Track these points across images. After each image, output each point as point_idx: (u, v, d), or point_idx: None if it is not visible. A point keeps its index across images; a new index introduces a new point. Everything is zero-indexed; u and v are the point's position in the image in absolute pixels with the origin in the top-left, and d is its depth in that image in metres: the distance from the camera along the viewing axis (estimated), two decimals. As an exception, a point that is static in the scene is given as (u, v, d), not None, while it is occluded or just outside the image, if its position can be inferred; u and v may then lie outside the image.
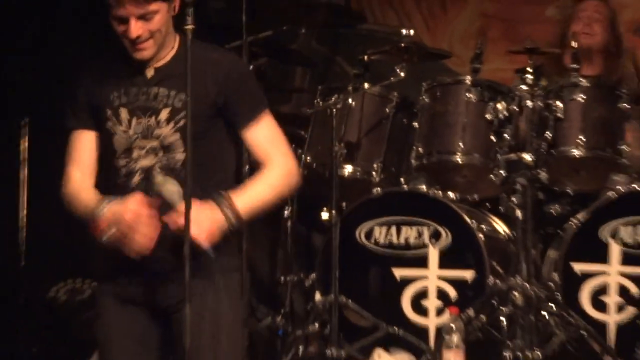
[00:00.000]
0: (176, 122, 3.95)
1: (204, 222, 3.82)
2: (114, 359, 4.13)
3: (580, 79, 5.54)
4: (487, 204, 6.17)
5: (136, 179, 3.95)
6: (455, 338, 5.20)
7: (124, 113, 3.96)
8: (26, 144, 6.12)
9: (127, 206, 3.81)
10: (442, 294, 5.59)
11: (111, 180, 4.03)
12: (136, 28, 3.86)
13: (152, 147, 3.97)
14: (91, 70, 4.16)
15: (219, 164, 4.10)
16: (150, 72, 4.01)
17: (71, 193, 4.09)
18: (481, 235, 5.64)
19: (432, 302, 5.62)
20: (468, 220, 5.58)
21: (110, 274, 4.05)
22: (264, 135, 4.09)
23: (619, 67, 6.16)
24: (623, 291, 5.40)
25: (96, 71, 4.10)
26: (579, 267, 5.42)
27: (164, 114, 3.96)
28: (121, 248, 3.80)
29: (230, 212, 3.90)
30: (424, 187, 5.78)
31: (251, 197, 4.02)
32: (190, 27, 4.31)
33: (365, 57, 6.19)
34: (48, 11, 6.78)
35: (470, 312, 5.39)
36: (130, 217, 3.81)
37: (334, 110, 5.83)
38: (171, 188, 3.88)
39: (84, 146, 4.08)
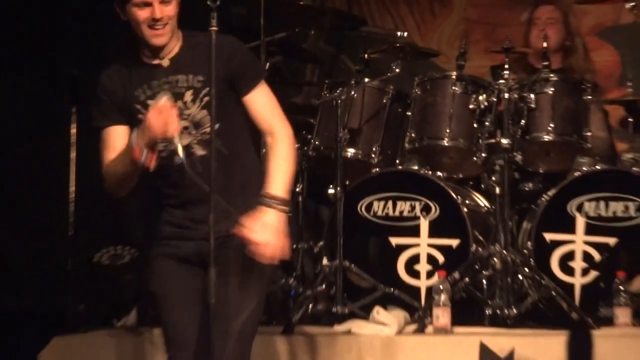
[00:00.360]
0: (201, 100, 3.92)
1: (272, 239, 3.79)
2: (170, 310, 4.08)
3: (551, 74, 5.54)
4: (470, 182, 6.17)
5: (178, 157, 3.83)
6: (443, 297, 5.23)
7: (152, 104, 3.85)
8: (75, 129, 6.06)
9: (148, 115, 3.74)
10: (431, 259, 5.62)
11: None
12: (160, 10, 3.78)
13: (184, 127, 3.90)
14: (110, 75, 4.05)
15: (241, 131, 4.03)
16: (166, 63, 3.94)
17: (106, 164, 3.98)
18: (465, 209, 5.65)
19: (423, 266, 5.66)
20: (454, 195, 5.58)
21: (168, 238, 3.99)
22: (265, 101, 4.03)
23: (573, 62, 6.10)
24: (587, 257, 5.41)
25: (114, 75, 4.02)
26: (549, 236, 5.45)
27: (188, 96, 3.91)
28: (158, 154, 3.77)
29: (280, 205, 3.86)
30: (416, 167, 5.78)
31: (281, 178, 3.95)
32: (214, 28, 4.32)
33: (366, 56, 6.21)
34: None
35: (456, 275, 5.40)
36: (152, 116, 3.73)
37: (339, 101, 5.81)
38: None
39: (118, 135, 3.97)
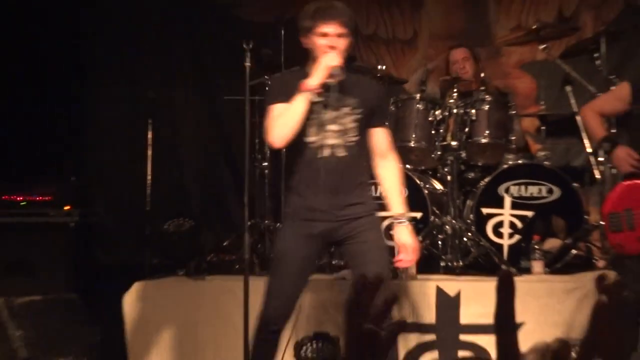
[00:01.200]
0: (353, 114, 3.88)
1: (413, 251, 4.01)
2: (285, 272, 4.01)
3: (486, 96, 5.50)
4: (430, 172, 6.11)
5: (325, 152, 3.86)
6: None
7: (317, 106, 3.83)
8: (150, 134, 6.02)
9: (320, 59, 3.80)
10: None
11: (299, 152, 3.94)
12: (335, 41, 3.82)
13: (337, 130, 3.87)
14: (287, 77, 4.14)
15: (364, 146, 4.00)
16: (338, 78, 3.88)
17: (277, 120, 3.93)
18: (425, 191, 5.57)
19: None
20: (418, 181, 5.50)
21: (305, 219, 3.95)
22: (385, 136, 4.10)
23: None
24: (512, 225, 5.40)
25: (292, 78, 3.98)
26: (485, 210, 5.41)
27: (345, 109, 3.88)
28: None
29: (408, 220, 4.11)
30: None
31: (401, 198, 4.12)
32: (248, 64, 4.30)
33: None
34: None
35: (419, 238, 5.21)
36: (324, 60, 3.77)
37: None
38: None
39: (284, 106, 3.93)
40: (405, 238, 4.03)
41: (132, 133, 6.28)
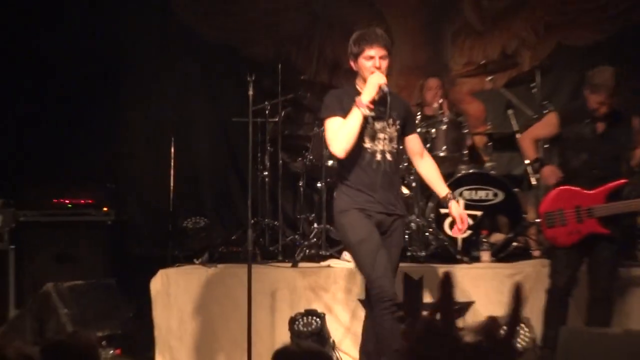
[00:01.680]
0: (396, 126, 3.83)
1: (464, 220, 4.01)
2: (377, 251, 3.78)
3: (444, 118, 5.46)
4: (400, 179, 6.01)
5: (378, 156, 3.79)
6: None
7: (369, 118, 3.72)
8: (172, 150, 5.95)
9: (370, 78, 3.70)
10: None
11: (357, 156, 3.82)
12: (379, 62, 3.74)
13: (385, 138, 3.80)
14: (342, 94, 3.89)
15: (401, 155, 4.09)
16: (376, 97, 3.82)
17: (338, 132, 3.80)
18: None
19: None
20: None
21: (363, 209, 3.78)
22: (419, 140, 4.10)
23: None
24: None
25: (345, 95, 3.84)
26: (443, 210, 5.27)
27: (390, 121, 3.80)
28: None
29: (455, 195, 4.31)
30: None
31: (442, 180, 4.12)
32: (251, 93, 4.30)
33: None
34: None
35: None
36: (374, 78, 3.70)
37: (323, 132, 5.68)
38: None
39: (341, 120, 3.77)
40: (459, 210, 4.00)
41: (158, 148, 6.20)
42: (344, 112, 3.71)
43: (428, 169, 4.05)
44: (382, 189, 3.77)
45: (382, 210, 3.79)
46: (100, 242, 5.78)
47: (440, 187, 4.05)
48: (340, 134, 3.71)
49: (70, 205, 5.81)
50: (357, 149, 3.75)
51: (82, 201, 5.85)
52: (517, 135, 5.37)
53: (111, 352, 4.86)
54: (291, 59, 6.45)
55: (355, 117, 3.66)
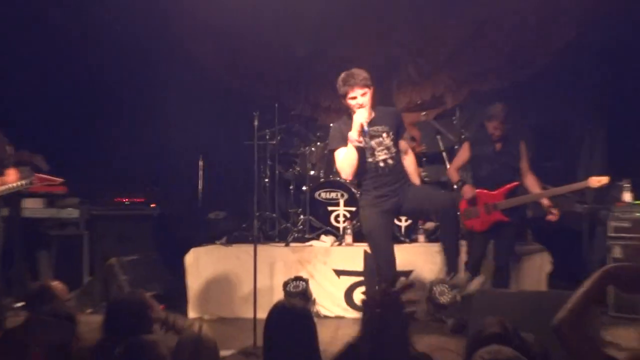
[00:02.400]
0: (390, 136, 3.58)
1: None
2: (384, 240, 3.67)
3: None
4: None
5: (381, 164, 3.55)
6: (348, 231, 5.08)
7: (367, 137, 3.48)
8: (201, 162, 5.89)
9: (354, 118, 3.45)
10: (345, 216, 5.32)
11: (365, 169, 3.60)
12: (361, 100, 3.49)
13: (383, 148, 3.56)
14: (341, 125, 3.62)
15: (399, 154, 3.70)
16: (370, 117, 3.53)
17: (342, 162, 3.59)
18: (357, 195, 5.27)
19: (341, 218, 5.32)
20: (354, 190, 5.22)
21: (374, 204, 3.60)
22: (405, 142, 3.82)
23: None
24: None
25: (343, 127, 3.56)
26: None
27: (385, 135, 3.56)
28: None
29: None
30: (338, 179, 5.36)
31: (418, 174, 3.94)
32: (256, 123, 4.27)
33: (317, 134, 5.87)
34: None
35: (354, 221, 5.14)
36: (356, 118, 3.46)
37: (308, 151, 5.60)
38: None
39: (343, 150, 3.55)
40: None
41: (191, 162, 6.03)
42: (345, 140, 3.50)
43: (409, 164, 3.85)
44: (387, 185, 3.59)
45: (389, 198, 3.61)
46: (149, 229, 5.73)
47: (415, 179, 3.86)
48: (344, 164, 3.53)
49: (127, 203, 5.75)
50: (363, 164, 3.56)
51: (136, 199, 5.80)
52: (443, 154, 5.30)
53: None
54: (284, 100, 6.29)
55: (351, 150, 3.48)
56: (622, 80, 5.53)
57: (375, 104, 3.64)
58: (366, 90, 3.48)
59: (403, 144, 3.78)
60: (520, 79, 6.07)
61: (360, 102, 3.47)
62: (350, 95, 3.47)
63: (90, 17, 5.79)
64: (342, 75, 3.51)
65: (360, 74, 3.49)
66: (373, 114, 3.55)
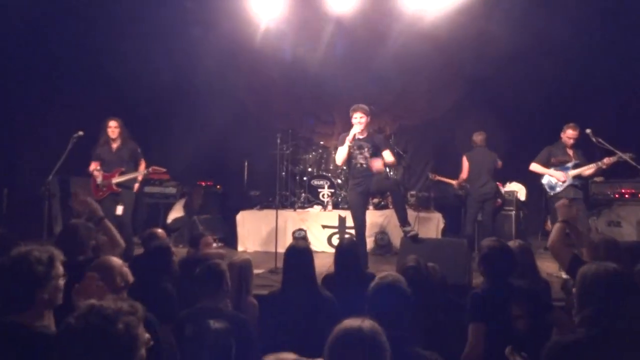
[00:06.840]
0: (369, 150, 3.41)
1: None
2: (358, 210, 3.43)
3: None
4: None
5: (360, 163, 3.39)
6: (331, 203, 5.01)
7: (353, 149, 3.39)
8: (246, 163, 5.60)
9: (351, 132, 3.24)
10: (328, 195, 5.19)
11: (351, 165, 3.45)
12: (359, 120, 3.32)
13: (361, 156, 3.41)
14: (344, 136, 3.39)
15: (375, 158, 3.43)
16: (363, 135, 3.43)
17: (339, 158, 3.39)
18: (339, 181, 5.25)
19: (326, 195, 5.16)
20: (334, 180, 5.18)
21: (353, 187, 3.44)
22: (387, 154, 3.47)
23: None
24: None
25: (345, 135, 3.39)
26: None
27: (366, 149, 3.40)
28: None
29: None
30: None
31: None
32: (278, 141, 4.03)
33: (313, 147, 5.71)
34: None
35: (333, 197, 5.17)
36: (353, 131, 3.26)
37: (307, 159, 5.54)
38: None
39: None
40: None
41: (240, 165, 5.72)
42: (343, 142, 3.43)
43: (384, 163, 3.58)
44: (363, 176, 3.48)
45: (363, 184, 3.48)
46: (217, 200, 5.67)
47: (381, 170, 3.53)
48: (339, 156, 3.48)
49: (204, 185, 5.58)
50: (350, 162, 3.52)
51: (209, 183, 5.59)
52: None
53: (218, 244, 4.60)
54: (294, 128, 5.87)
55: (344, 147, 3.43)
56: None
57: (369, 130, 3.61)
58: (364, 115, 3.41)
59: (386, 155, 3.53)
60: (428, 119, 6.02)
61: (358, 121, 3.42)
62: (354, 115, 3.44)
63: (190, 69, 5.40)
64: (354, 105, 3.49)
65: (363, 107, 3.45)
66: (366, 134, 3.49)
